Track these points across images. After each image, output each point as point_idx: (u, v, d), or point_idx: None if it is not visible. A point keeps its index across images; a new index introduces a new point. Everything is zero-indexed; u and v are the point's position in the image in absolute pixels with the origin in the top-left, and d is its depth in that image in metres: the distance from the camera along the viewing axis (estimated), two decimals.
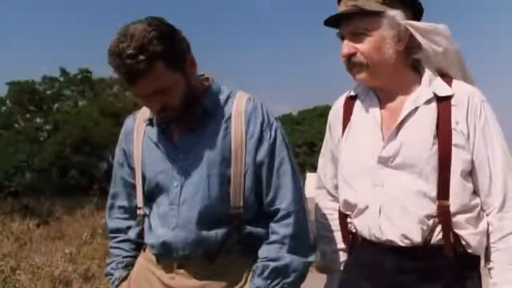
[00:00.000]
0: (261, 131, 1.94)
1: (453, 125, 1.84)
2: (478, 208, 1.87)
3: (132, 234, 2.12)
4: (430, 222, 1.83)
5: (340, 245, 2.14)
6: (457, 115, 1.85)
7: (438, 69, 1.96)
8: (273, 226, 1.95)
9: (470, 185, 1.86)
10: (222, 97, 2.00)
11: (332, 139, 2.14)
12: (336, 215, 2.13)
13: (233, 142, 1.92)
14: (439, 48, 1.90)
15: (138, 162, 2.04)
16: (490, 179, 1.86)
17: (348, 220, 2.05)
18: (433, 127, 1.84)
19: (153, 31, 1.76)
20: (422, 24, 1.90)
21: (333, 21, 1.94)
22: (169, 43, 1.80)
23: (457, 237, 1.83)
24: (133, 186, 2.11)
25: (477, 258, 1.91)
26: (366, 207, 1.92)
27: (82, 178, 23.24)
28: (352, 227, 2.03)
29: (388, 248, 1.87)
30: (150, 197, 2.03)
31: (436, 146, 1.83)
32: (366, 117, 2.00)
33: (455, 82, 1.93)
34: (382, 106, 1.98)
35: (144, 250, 2.09)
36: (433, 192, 1.83)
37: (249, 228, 1.95)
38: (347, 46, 1.91)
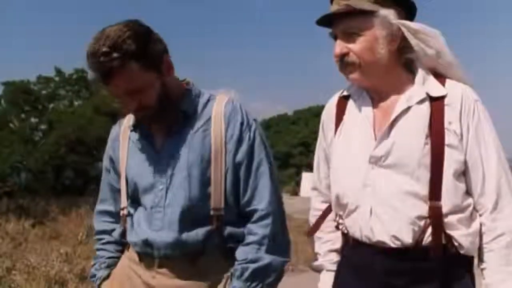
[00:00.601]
0: (241, 132, 1.97)
1: (446, 125, 1.83)
2: (471, 209, 1.86)
3: (116, 234, 2.17)
4: (422, 223, 1.82)
5: (334, 245, 2.14)
6: (450, 115, 1.85)
7: (432, 69, 1.95)
8: (250, 227, 1.97)
9: (462, 186, 1.85)
10: (202, 100, 2.04)
11: (325, 139, 2.14)
12: (330, 216, 2.14)
13: (213, 143, 1.95)
14: (430, 49, 1.89)
15: (123, 165, 2.09)
16: (483, 179, 1.85)
17: (340, 220, 2.05)
18: (426, 127, 1.83)
19: (128, 31, 1.81)
20: (414, 24, 1.89)
21: (326, 21, 1.94)
22: (144, 43, 1.84)
23: (449, 238, 1.83)
24: (119, 192, 2.16)
25: (470, 258, 1.91)
26: (357, 207, 1.92)
27: (77, 178, 23.19)
28: (344, 228, 2.03)
29: (379, 249, 1.87)
30: (134, 199, 2.08)
31: (428, 146, 1.82)
32: (358, 116, 1.99)
33: (448, 82, 1.92)
34: (374, 105, 1.98)
35: (128, 250, 2.13)
36: (425, 193, 1.82)
37: (230, 230, 1.98)
38: (339, 46, 1.91)
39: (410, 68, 1.98)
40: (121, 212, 2.12)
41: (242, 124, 1.98)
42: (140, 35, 1.84)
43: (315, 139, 2.24)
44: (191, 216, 1.94)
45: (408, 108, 1.88)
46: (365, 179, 1.90)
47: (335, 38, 1.93)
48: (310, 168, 2.17)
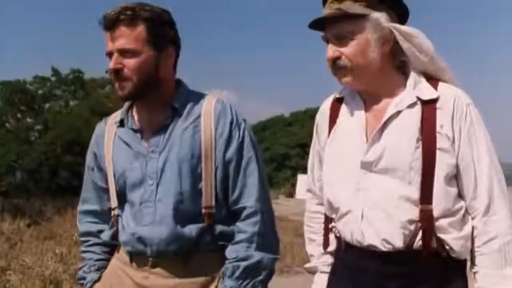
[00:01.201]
0: (230, 131, 2.00)
1: (437, 129, 1.83)
2: (462, 212, 1.86)
3: (105, 236, 2.15)
4: (412, 227, 1.82)
5: (328, 248, 2.14)
6: (442, 118, 1.84)
7: (424, 72, 1.95)
8: (240, 225, 2.00)
9: (454, 189, 1.85)
10: (192, 98, 2.07)
11: (319, 141, 2.14)
12: (324, 219, 2.14)
13: (203, 140, 1.98)
14: (421, 53, 1.90)
15: (109, 162, 2.08)
16: (476, 182, 1.85)
17: (332, 224, 2.05)
18: (417, 131, 1.83)
19: (147, 5, 1.94)
20: (406, 27, 1.89)
21: (318, 24, 1.94)
22: (157, 19, 1.96)
23: (440, 241, 1.83)
24: (104, 190, 2.15)
25: (463, 262, 1.91)
26: (349, 212, 1.92)
27: (73, 178, 23.13)
28: (336, 231, 2.03)
29: (370, 253, 1.87)
30: (122, 197, 2.06)
31: (419, 150, 1.82)
32: (351, 120, 2.00)
33: (441, 85, 1.91)
34: (367, 109, 1.98)
35: (118, 251, 2.12)
36: (416, 197, 1.81)
37: (220, 228, 2.00)
38: (331, 50, 1.91)
39: (403, 71, 1.98)
40: (112, 213, 2.11)
41: (231, 123, 2.02)
42: (155, 12, 1.96)
43: (312, 141, 2.25)
44: (182, 212, 1.95)
45: (399, 112, 1.88)
46: (357, 183, 1.90)
47: (327, 41, 1.93)
48: (305, 170, 2.18)
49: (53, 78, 27.82)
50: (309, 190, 2.26)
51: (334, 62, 1.92)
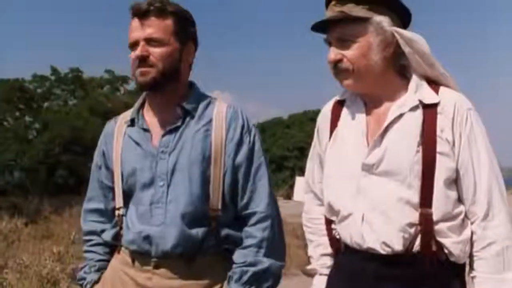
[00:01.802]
0: (241, 136, 2.03)
1: (438, 133, 1.84)
2: (462, 216, 1.87)
3: (107, 236, 2.15)
4: (412, 230, 1.83)
5: (327, 249, 2.14)
6: (442, 122, 1.85)
7: (426, 76, 1.96)
8: (249, 230, 2.01)
9: (453, 193, 1.86)
10: (204, 102, 2.09)
11: (320, 144, 2.14)
12: (323, 220, 2.13)
13: (213, 143, 2.00)
14: (421, 58, 1.91)
15: (117, 161, 2.08)
16: (475, 187, 1.85)
17: (332, 226, 2.06)
18: (418, 135, 1.84)
19: (173, 3, 2.03)
20: (407, 32, 1.90)
21: (320, 27, 1.95)
22: (184, 16, 2.05)
23: (439, 245, 1.83)
24: (110, 189, 2.16)
25: (461, 266, 1.91)
26: (350, 214, 1.92)
27: (71, 178, 23.12)
28: (336, 233, 2.04)
29: (370, 256, 1.88)
30: (128, 196, 2.06)
31: (420, 154, 1.82)
32: (352, 123, 2.00)
33: (442, 89, 1.92)
34: (368, 112, 1.98)
35: (119, 252, 2.11)
36: (416, 200, 1.82)
37: (226, 231, 2.01)
38: (333, 52, 1.92)
39: (404, 75, 1.99)
40: (117, 213, 2.10)
41: (242, 127, 2.05)
42: (181, 9, 2.04)
43: (310, 143, 2.26)
44: (191, 214, 1.96)
45: (401, 115, 1.88)
46: (358, 186, 1.91)
47: (330, 44, 1.94)
48: (304, 172, 2.19)
49: (52, 77, 27.78)
50: (308, 192, 2.26)
51: (336, 65, 1.92)
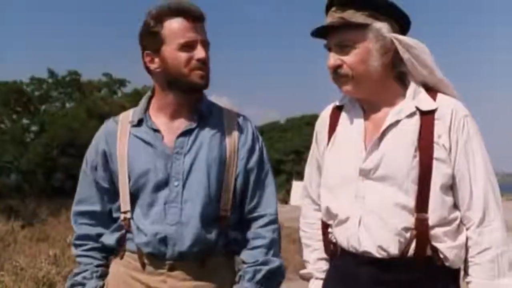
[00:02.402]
0: (252, 142, 2.11)
1: (435, 139, 1.86)
2: (457, 222, 1.88)
3: (109, 240, 2.09)
4: (408, 234, 1.84)
5: (323, 254, 2.15)
6: (439, 129, 1.87)
7: (424, 83, 1.97)
8: (259, 231, 2.07)
9: (449, 199, 1.88)
10: (214, 107, 2.14)
11: (318, 149, 2.16)
12: (320, 225, 2.14)
13: (227, 148, 2.05)
14: (421, 65, 1.92)
15: (123, 161, 2.05)
16: (471, 193, 1.87)
17: (329, 230, 2.07)
18: (415, 140, 1.86)
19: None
20: (407, 39, 1.91)
21: (320, 33, 1.96)
22: None
23: (434, 250, 1.85)
24: (106, 190, 2.12)
25: (456, 271, 1.93)
26: (347, 218, 1.94)
27: (67, 180, 23.08)
28: (333, 237, 2.05)
29: (366, 260, 1.89)
30: (136, 198, 2.03)
31: (417, 159, 1.84)
32: (350, 128, 2.02)
33: (440, 96, 1.94)
34: (366, 117, 2.00)
35: (122, 258, 2.07)
36: (412, 205, 1.84)
37: (234, 233, 2.06)
38: (333, 58, 1.93)
39: (402, 81, 2.00)
40: (122, 216, 2.05)
41: (253, 134, 2.13)
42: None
43: (307, 147, 2.28)
44: (206, 214, 1.99)
45: (398, 121, 1.90)
46: (356, 191, 1.93)
47: (329, 49, 1.96)
48: (301, 176, 2.23)
49: (49, 80, 27.80)
50: (306, 196, 2.27)
51: (336, 70, 1.94)
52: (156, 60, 2.03)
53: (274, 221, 2.09)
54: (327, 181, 2.05)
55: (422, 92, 1.95)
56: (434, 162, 1.85)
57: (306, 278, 2.22)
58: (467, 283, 1.90)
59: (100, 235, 2.12)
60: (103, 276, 2.10)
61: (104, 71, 27.39)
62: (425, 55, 1.93)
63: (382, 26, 1.90)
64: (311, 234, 2.21)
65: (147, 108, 2.12)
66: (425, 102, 1.91)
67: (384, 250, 1.85)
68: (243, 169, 2.08)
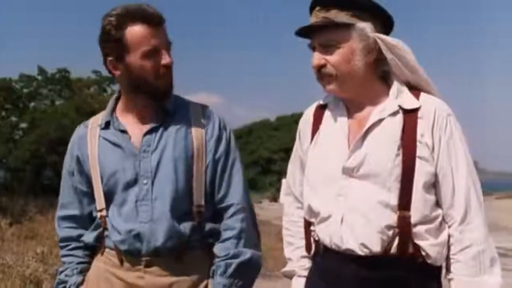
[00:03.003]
0: (219, 133, 2.12)
1: (418, 137, 1.87)
2: (439, 220, 1.90)
3: (89, 238, 2.14)
4: (390, 232, 1.85)
5: (307, 252, 2.16)
6: (422, 127, 1.88)
7: (408, 82, 1.99)
8: (227, 222, 2.07)
9: (432, 197, 1.89)
10: (180, 102, 2.16)
11: (302, 147, 2.17)
12: (303, 223, 2.15)
13: (195, 141, 2.07)
14: (404, 65, 1.94)
15: (94, 164, 2.09)
16: (453, 191, 1.89)
17: (312, 228, 2.08)
18: (398, 139, 1.87)
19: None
20: (390, 39, 1.93)
21: (305, 32, 1.98)
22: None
23: (417, 247, 1.86)
24: (85, 194, 2.16)
25: (438, 268, 1.94)
26: (329, 216, 1.95)
27: (57, 178, 22.98)
28: (315, 235, 2.06)
29: (348, 257, 1.90)
30: (110, 197, 2.07)
31: (400, 158, 1.86)
32: (334, 126, 2.03)
33: (423, 95, 1.95)
34: (350, 116, 2.01)
35: (102, 254, 2.11)
36: (395, 203, 1.85)
37: (209, 226, 2.07)
38: (317, 58, 1.94)
39: (386, 81, 2.02)
40: (99, 214, 2.10)
41: (219, 125, 2.13)
42: None
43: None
44: (178, 209, 2.01)
45: (381, 120, 1.92)
46: (339, 189, 1.94)
47: (314, 49, 1.97)
48: None
49: (39, 77, 27.61)
50: (288, 194, 2.28)
51: (320, 70, 1.95)
52: (120, 67, 2.02)
53: (241, 210, 2.08)
54: (310, 179, 2.06)
55: (405, 91, 1.96)
56: (417, 161, 1.86)
57: (289, 276, 2.23)
58: (449, 280, 1.92)
59: (81, 236, 2.18)
60: (83, 271, 2.15)
61: (94, 68, 27.16)
62: (408, 55, 1.94)
63: (365, 26, 1.91)
64: (294, 232, 2.22)
65: (114, 110, 2.15)
66: (408, 101, 1.93)
67: (367, 248, 1.86)
68: (212, 160, 2.09)
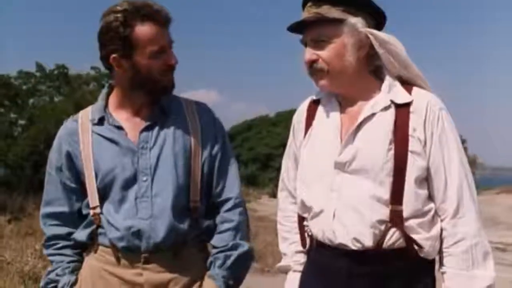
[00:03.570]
0: (215, 129, 2.13)
1: (410, 132, 1.88)
2: (432, 213, 1.91)
3: (81, 236, 2.10)
4: (383, 226, 1.86)
5: (301, 246, 2.17)
6: (414, 122, 1.89)
7: (400, 77, 1.99)
8: (225, 215, 2.10)
9: (424, 191, 1.90)
10: (174, 99, 2.15)
11: (295, 142, 2.18)
12: (297, 217, 2.17)
13: (192, 137, 2.07)
14: (394, 59, 1.95)
15: (88, 161, 2.05)
16: (445, 185, 1.89)
17: (305, 223, 2.09)
18: (390, 133, 1.88)
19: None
20: (382, 34, 1.93)
21: (296, 27, 1.98)
22: None
23: (409, 241, 1.87)
24: (74, 190, 2.12)
25: (431, 262, 1.95)
26: (321, 211, 1.96)
27: None
28: (308, 230, 2.07)
29: (341, 252, 1.91)
30: (105, 194, 2.04)
31: (392, 152, 1.86)
32: (326, 122, 2.04)
33: (415, 90, 1.96)
34: (342, 111, 2.02)
35: (95, 252, 2.08)
36: (387, 197, 1.86)
37: (205, 222, 2.09)
38: (309, 53, 1.95)
39: (378, 75, 2.02)
40: (92, 212, 2.06)
41: (214, 121, 2.16)
42: None
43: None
44: (178, 205, 2.02)
45: (373, 114, 1.92)
46: (331, 184, 1.94)
47: (305, 44, 1.98)
48: None
49: (37, 73, 27.57)
50: (283, 189, 2.29)
51: (311, 65, 1.96)
52: (124, 64, 1.99)
53: (239, 204, 2.13)
54: (303, 174, 2.07)
55: (398, 86, 1.97)
56: (409, 155, 1.86)
57: (284, 271, 2.24)
58: (442, 273, 1.93)
59: (70, 234, 2.13)
60: (75, 270, 2.10)
61: (92, 64, 27.13)
62: (400, 51, 1.95)
63: (357, 21, 1.91)
64: (289, 227, 2.23)
65: (106, 105, 2.12)
66: (400, 95, 1.93)
67: (359, 242, 1.87)
68: (208, 155, 2.11)
